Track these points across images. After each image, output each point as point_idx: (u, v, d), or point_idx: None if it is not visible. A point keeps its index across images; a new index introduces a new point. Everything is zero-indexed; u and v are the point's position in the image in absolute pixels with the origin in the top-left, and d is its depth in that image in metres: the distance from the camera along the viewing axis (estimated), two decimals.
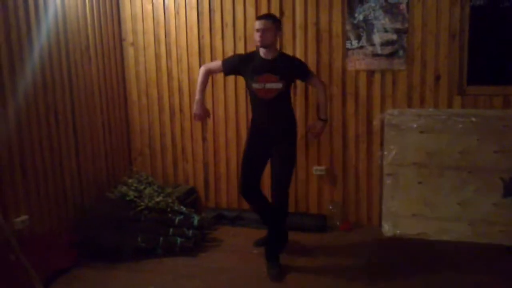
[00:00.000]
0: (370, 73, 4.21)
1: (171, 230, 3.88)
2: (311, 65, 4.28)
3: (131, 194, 4.04)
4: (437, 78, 4.08)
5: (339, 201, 4.40)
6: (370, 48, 4.17)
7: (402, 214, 4.12)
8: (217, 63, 3.76)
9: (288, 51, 4.32)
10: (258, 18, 3.54)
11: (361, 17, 4.15)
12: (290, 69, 3.58)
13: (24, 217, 3.35)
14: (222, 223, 4.49)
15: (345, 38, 4.22)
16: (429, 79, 4.10)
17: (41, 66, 3.56)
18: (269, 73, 3.49)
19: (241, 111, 4.55)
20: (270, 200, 3.69)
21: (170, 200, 4.05)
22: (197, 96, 3.67)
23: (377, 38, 4.15)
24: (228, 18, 4.47)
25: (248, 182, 3.70)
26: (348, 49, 4.22)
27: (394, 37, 4.11)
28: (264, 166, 3.73)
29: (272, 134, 3.60)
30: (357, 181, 4.37)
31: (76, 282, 3.42)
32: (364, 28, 4.16)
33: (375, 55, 4.17)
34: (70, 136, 3.91)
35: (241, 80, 4.13)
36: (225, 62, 3.72)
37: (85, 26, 4.12)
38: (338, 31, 4.23)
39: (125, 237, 3.78)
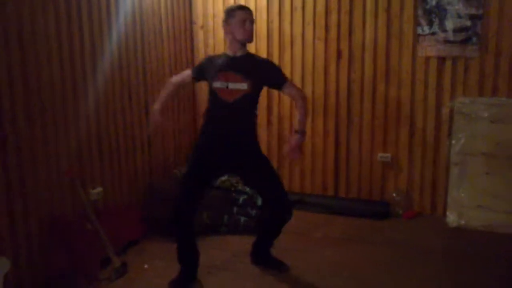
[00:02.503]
0: (441, 60, 4.12)
1: (235, 209, 3.99)
2: (381, 51, 4.26)
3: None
4: None
5: (403, 189, 4.36)
6: (442, 34, 4.07)
7: (468, 205, 4.03)
8: (186, 71, 3.40)
9: (358, 37, 4.32)
10: (243, 8, 3.06)
11: (433, 2, 4.06)
12: (258, 70, 3.05)
13: (99, 189, 3.55)
14: None
15: (417, 23, 4.14)
16: (503, 68, 3.96)
17: (118, 47, 3.73)
18: (231, 71, 3.01)
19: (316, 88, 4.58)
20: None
21: (234, 180, 4.14)
22: (155, 106, 3.34)
23: (450, 24, 4.04)
24: (298, 2, 4.48)
25: (189, 206, 3.04)
26: (419, 35, 4.14)
27: (468, 23, 3.99)
28: (209, 187, 3.38)
29: (231, 144, 3.06)
30: (422, 169, 4.31)
31: (144, 254, 3.59)
32: (437, 14, 4.06)
33: (447, 41, 4.07)
34: (142, 115, 4.07)
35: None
36: (195, 66, 3.45)
37: (158, 8, 4.26)
38: (409, 16, 4.15)
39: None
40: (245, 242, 3.65)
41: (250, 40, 3.05)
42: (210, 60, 3.19)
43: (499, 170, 3.94)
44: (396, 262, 3.45)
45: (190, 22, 4.84)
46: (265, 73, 3.07)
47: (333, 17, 4.38)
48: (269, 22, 4.61)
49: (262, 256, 3.40)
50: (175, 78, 3.38)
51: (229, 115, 3.05)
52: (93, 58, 3.46)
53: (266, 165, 3.16)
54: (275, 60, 4.42)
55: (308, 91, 4.51)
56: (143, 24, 4.03)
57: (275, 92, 4.53)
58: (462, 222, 4.03)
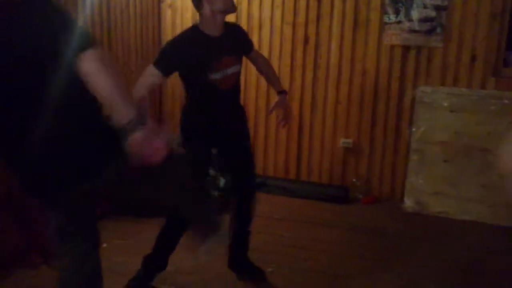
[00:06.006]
0: (406, 49, 4.18)
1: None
2: (347, 38, 4.31)
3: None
4: (473, 58, 4.03)
5: (363, 175, 4.45)
6: (407, 24, 4.13)
7: (425, 191, 4.13)
8: (151, 72, 2.55)
9: (326, 22, 4.34)
10: None
11: None
12: (238, 41, 2.79)
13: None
14: None
15: (384, 12, 4.18)
16: (464, 59, 4.06)
17: (84, 21, 3.65)
18: (226, 55, 2.64)
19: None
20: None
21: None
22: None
23: (415, 13, 4.10)
24: None
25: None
26: (385, 23, 4.19)
27: (433, 13, 4.06)
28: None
29: (226, 132, 2.80)
30: (383, 156, 4.39)
31: (103, 232, 3.57)
32: (403, 3, 4.11)
33: (412, 31, 4.13)
34: None
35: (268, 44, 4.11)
36: (161, 63, 2.56)
37: None
38: (376, 4, 4.20)
39: (153, 193, 3.91)
40: None
41: (234, 9, 2.66)
42: (183, 47, 2.60)
43: (457, 158, 4.05)
44: (351, 245, 3.55)
45: (158, 0, 4.78)
46: (242, 42, 2.84)
47: (302, 2, 4.39)
48: (237, 3, 4.58)
49: (238, 261, 3.06)
50: (143, 89, 2.51)
51: (227, 104, 2.77)
52: None
53: (249, 149, 3.02)
54: None
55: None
56: (109, 1, 3.96)
57: None
58: (419, 207, 4.14)
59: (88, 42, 1.63)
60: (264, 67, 3.00)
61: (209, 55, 2.59)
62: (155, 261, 2.87)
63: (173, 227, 2.82)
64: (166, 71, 2.55)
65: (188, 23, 4.68)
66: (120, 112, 1.60)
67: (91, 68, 1.59)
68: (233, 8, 2.65)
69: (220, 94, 2.68)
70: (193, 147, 2.75)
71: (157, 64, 2.55)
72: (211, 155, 2.94)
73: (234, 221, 2.98)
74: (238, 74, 2.75)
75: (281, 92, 2.96)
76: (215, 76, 2.61)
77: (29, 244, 3.12)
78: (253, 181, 3.08)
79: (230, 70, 2.66)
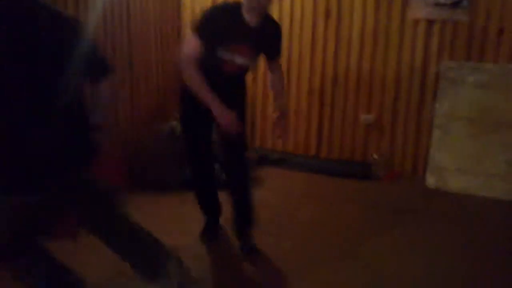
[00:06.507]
0: (430, 23, 4.08)
1: (216, 165, 3.98)
2: (370, 11, 4.22)
3: (180, 129, 4.13)
4: (501, 31, 3.91)
5: (385, 151, 4.40)
6: None
7: (448, 167, 4.08)
8: (194, 45, 2.56)
9: None
10: None
11: None
12: (270, 42, 2.81)
13: None
14: (266, 164, 4.55)
15: None
16: (491, 33, 3.95)
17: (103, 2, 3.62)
18: (245, 45, 2.66)
19: (293, 53, 4.54)
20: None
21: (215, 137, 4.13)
22: (210, 99, 2.57)
23: None
24: None
25: (208, 169, 3.08)
26: None
27: None
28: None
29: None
30: (405, 132, 4.34)
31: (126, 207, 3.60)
32: None
33: (437, 4, 4.02)
34: (125, 69, 4.00)
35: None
36: (202, 33, 2.57)
37: None
38: None
39: (172, 170, 3.92)
40: (225, 198, 3.70)
41: (259, 8, 2.58)
42: (220, 20, 2.59)
43: (481, 135, 3.97)
44: (371, 221, 3.51)
45: None
46: (270, 45, 2.83)
47: None
48: None
49: (238, 232, 3.06)
50: (191, 57, 2.55)
51: (225, 85, 2.72)
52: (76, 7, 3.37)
53: (244, 136, 2.93)
54: None
55: (295, 49, 4.48)
56: None
57: None
58: (441, 184, 4.10)
59: (106, 72, 2.00)
60: (277, 82, 2.98)
61: (232, 35, 2.60)
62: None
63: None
64: (204, 39, 2.55)
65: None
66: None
67: (105, 92, 2.03)
68: (257, 6, 2.57)
69: (220, 75, 2.68)
70: (191, 121, 2.89)
71: (199, 35, 2.56)
72: (210, 131, 2.93)
73: (232, 202, 3.00)
74: (245, 68, 2.77)
75: (282, 111, 2.92)
76: (223, 55, 2.62)
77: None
78: (243, 170, 2.99)
79: (240, 60, 2.67)
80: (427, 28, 4.09)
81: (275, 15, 4.44)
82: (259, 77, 4.67)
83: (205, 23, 2.60)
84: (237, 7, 2.62)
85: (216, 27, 2.57)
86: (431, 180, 4.14)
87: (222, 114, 2.58)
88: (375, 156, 4.37)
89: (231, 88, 2.81)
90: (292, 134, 4.68)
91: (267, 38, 2.75)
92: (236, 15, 2.60)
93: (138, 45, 4.15)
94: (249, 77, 4.54)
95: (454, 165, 4.07)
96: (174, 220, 3.42)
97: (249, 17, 2.60)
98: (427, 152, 4.23)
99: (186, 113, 2.96)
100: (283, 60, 4.38)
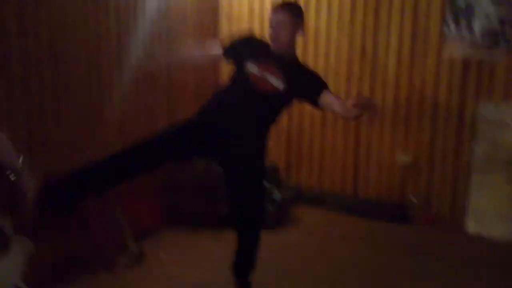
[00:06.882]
0: (467, 62, 4.02)
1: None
2: (406, 50, 4.21)
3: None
4: None
5: (422, 193, 4.30)
6: (469, 36, 3.96)
7: (488, 213, 3.94)
8: (214, 47, 2.99)
9: (383, 33, 4.26)
10: (275, 8, 2.70)
11: (463, 2, 3.96)
12: (298, 79, 2.66)
13: None
14: (302, 203, 4.52)
15: (444, 23, 4.03)
16: None
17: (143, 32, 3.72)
18: (273, 65, 2.64)
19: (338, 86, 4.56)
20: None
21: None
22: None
23: (477, 25, 3.94)
24: None
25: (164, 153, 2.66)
26: (445, 36, 4.04)
27: (497, 26, 3.91)
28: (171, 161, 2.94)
29: (230, 137, 2.66)
30: (443, 173, 4.22)
31: (161, 244, 3.65)
32: (465, 14, 3.95)
33: (474, 43, 3.98)
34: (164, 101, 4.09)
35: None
36: (226, 45, 2.88)
37: None
38: (436, 15, 4.05)
39: (210, 206, 3.96)
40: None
41: (273, 46, 2.68)
42: (249, 41, 2.85)
43: None
44: (410, 268, 3.44)
45: None
46: (303, 82, 2.66)
47: (359, 12, 4.33)
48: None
49: (237, 272, 2.95)
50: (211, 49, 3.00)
51: (248, 106, 2.64)
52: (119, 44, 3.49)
53: (253, 185, 2.79)
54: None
55: (330, 86, 4.51)
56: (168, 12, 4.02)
57: None
58: (481, 230, 3.96)
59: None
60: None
61: (259, 53, 2.70)
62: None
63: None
64: (227, 53, 2.82)
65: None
66: None
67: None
68: (272, 41, 2.67)
69: (245, 88, 2.65)
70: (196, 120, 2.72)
71: (227, 49, 2.85)
72: (204, 143, 2.69)
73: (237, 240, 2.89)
74: (275, 89, 2.61)
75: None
76: (252, 68, 2.64)
77: (92, 252, 3.22)
78: (252, 224, 2.87)
79: (272, 79, 2.61)
80: (463, 68, 4.03)
81: (310, 52, 4.55)
82: (294, 114, 4.70)
83: (234, 41, 2.86)
84: (265, 40, 2.80)
85: (244, 43, 2.81)
86: (470, 225, 4.01)
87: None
88: (413, 198, 4.29)
89: (252, 110, 2.66)
90: (328, 172, 4.67)
91: (296, 71, 2.69)
92: (263, 41, 2.81)
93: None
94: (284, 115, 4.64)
95: (494, 210, 3.92)
96: (207, 257, 3.44)
97: (273, 46, 2.68)
98: (466, 195, 4.10)
99: (197, 119, 2.75)
100: None
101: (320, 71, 4.39)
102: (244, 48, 2.77)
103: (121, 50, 3.53)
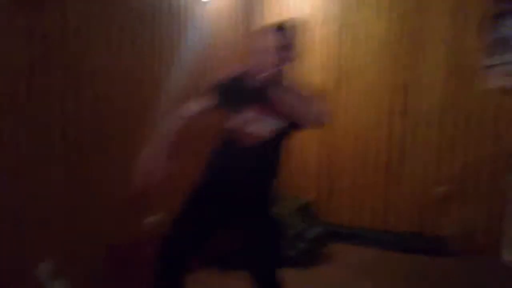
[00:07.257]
0: (502, 92, 3.98)
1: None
2: (444, 83, 4.18)
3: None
4: None
5: (457, 224, 4.22)
6: (507, 66, 3.92)
7: None
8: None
9: (421, 68, 4.24)
10: (278, 28, 2.25)
11: (504, 32, 3.91)
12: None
13: (158, 216, 3.41)
14: (337, 240, 4.41)
15: (484, 55, 4.02)
16: None
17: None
18: (265, 106, 2.23)
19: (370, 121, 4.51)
20: None
21: (287, 212, 4.06)
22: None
23: None
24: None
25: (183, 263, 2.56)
26: (485, 67, 4.02)
27: None
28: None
29: (240, 202, 2.41)
30: (478, 204, 4.16)
31: (197, 285, 3.56)
32: (505, 45, 3.91)
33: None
34: None
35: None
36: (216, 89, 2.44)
37: None
38: (475, 46, 4.05)
39: (239, 246, 3.87)
40: (292, 276, 3.62)
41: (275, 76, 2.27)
42: (234, 86, 2.39)
43: None
44: None
45: None
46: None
47: (395, 45, 4.34)
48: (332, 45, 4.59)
49: None
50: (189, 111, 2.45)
51: (249, 164, 2.33)
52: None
53: (269, 233, 2.49)
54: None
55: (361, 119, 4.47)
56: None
57: None
58: None
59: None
60: None
61: (243, 97, 2.32)
62: None
63: None
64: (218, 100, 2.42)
65: None
66: None
67: None
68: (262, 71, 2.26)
69: (238, 149, 2.30)
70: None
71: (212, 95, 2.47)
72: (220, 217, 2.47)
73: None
74: (278, 130, 2.28)
75: None
76: (243, 118, 2.26)
77: None
78: (270, 273, 2.51)
79: (264, 121, 2.25)
80: (500, 98, 4.00)
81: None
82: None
83: (220, 88, 2.43)
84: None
85: (229, 91, 2.38)
86: (507, 257, 3.92)
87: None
88: (449, 230, 4.20)
89: (257, 164, 2.34)
90: (358, 207, 4.61)
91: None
92: (244, 79, 2.37)
93: None
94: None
95: None
96: None
97: (260, 78, 2.26)
98: (504, 227, 4.02)
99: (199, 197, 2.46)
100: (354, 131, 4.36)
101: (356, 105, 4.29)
102: (232, 96, 2.36)
103: None
